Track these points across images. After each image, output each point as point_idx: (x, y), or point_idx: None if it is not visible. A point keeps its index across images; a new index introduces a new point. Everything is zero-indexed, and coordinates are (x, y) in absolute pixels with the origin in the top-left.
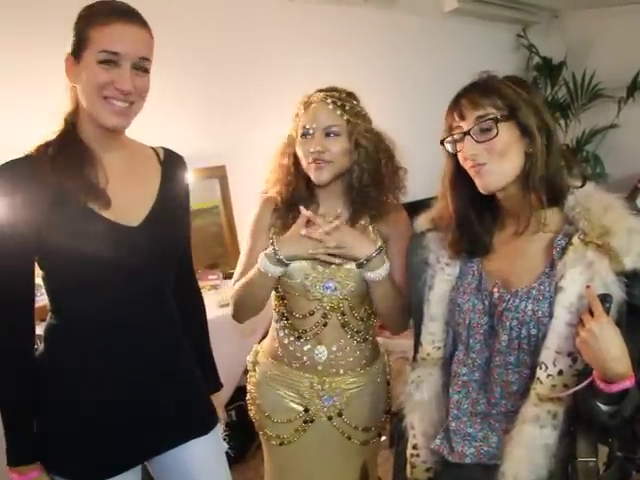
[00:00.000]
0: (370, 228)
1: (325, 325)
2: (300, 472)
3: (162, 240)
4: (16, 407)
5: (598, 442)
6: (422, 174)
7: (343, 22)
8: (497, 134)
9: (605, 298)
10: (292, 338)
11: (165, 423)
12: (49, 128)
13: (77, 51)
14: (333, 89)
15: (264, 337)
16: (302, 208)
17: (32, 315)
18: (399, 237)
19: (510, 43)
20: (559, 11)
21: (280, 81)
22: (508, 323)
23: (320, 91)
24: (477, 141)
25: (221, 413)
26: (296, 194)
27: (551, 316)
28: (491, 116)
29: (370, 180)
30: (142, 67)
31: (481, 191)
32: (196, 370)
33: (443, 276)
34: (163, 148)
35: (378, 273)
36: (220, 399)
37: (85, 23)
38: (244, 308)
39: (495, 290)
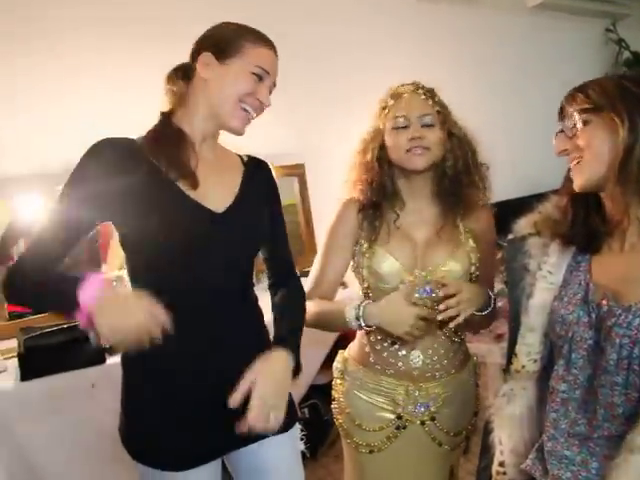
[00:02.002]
0: (461, 227)
1: (422, 329)
2: (390, 479)
3: (243, 229)
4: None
5: None
6: (504, 174)
7: (426, 20)
8: (583, 127)
9: None
10: (385, 344)
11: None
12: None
13: (224, 54)
14: (418, 83)
15: (346, 341)
16: (410, 285)
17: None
18: (487, 233)
19: (598, 38)
20: None
21: (360, 80)
22: (618, 340)
23: (405, 84)
24: (567, 136)
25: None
26: (381, 192)
27: None
28: (586, 107)
29: (463, 168)
30: (271, 91)
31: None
32: None
33: (545, 284)
34: (248, 155)
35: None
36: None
37: (239, 36)
38: (317, 328)
39: (604, 302)
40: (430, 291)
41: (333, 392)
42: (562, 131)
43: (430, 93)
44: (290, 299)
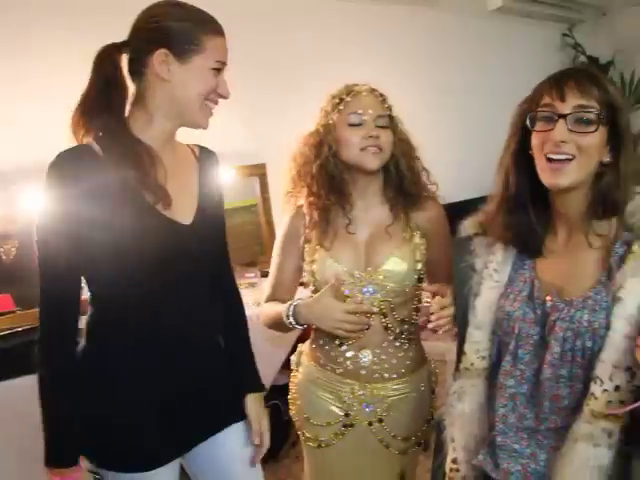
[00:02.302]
0: (409, 223)
1: (368, 328)
2: (336, 476)
3: (209, 238)
4: (61, 408)
5: None
6: (458, 175)
7: (385, 21)
8: (594, 131)
9: None
10: (333, 344)
11: (201, 414)
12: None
13: (183, 52)
14: (371, 86)
15: (306, 337)
16: (334, 281)
17: (78, 313)
18: (437, 226)
19: (555, 42)
20: (607, 8)
21: (321, 82)
22: (561, 334)
23: (358, 85)
24: (570, 130)
25: (263, 420)
26: (330, 194)
27: (608, 328)
28: (595, 111)
29: (410, 171)
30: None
31: (550, 184)
32: (226, 366)
33: (491, 283)
34: (198, 145)
35: None
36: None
37: (196, 29)
38: (274, 330)
39: (549, 299)
40: (373, 291)
41: (289, 382)
42: (562, 117)
43: (383, 96)
44: (230, 313)
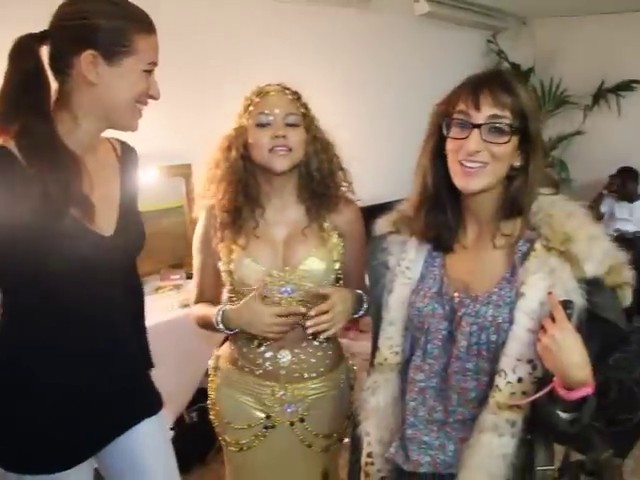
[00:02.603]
0: (326, 224)
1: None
2: (259, 479)
3: (131, 247)
4: None
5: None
6: (383, 178)
7: (313, 21)
8: (507, 142)
9: (567, 305)
10: (252, 346)
11: (115, 409)
12: None
13: (114, 55)
14: (284, 84)
15: (225, 341)
16: (261, 284)
17: None
18: (353, 227)
19: (481, 48)
20: (528, 18)
21: (247, 81)
22: (467, 328)
23: (271, 84)
24: (484, 139)
25: None
26: (242, 195)
27: (511, 322)
28: (508, 121)
29: (328, 171)
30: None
31: (463, 188)
32: (142, 355)
33: (403, 280)
34: (119, 141)
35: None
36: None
37: (128, 28)
38: (205, 329)
39: (456, 295)
40: (291, 291)
41: (208, 388)
42: (477, 127)
43: (296, 95)
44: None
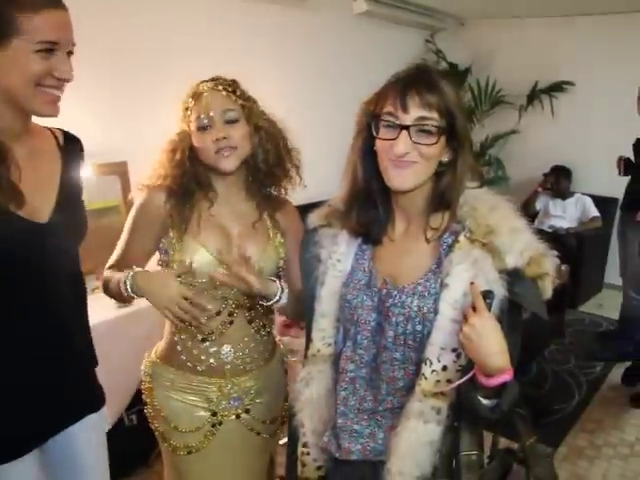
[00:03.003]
0: (269, 222)
1: (231, 323)
2: (211, 477)
3: (69, 234)
4: None
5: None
6: (322, 176)
7: (252, 18)
8: (435, 142)
9: (487, 295)
10: (195, 341)
11: (59, 403)
12: None
13: (4, 34)
14: (218, 78)
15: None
16: (216, 273)
17: None
18: (297, 230)
19: (419, 47)
20: (465, 19)
21: (183, 76)
22: (394, 319)
23: (205, 81)
24: (413, 141)
25: None
26: (193, 181)
27: (436, 312)
28: (436, 123)
29: (275, 160)
30: (72, 52)
31: (394, 186)
32: (87, 351)
33: (334, 272)
34: (61, 130)
35: (280, 303)
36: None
37: (8, 7)
38: (110, 297)
39: (384, 286)
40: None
41: (144, 397)
42: (405, 128)
43: (232, 87)
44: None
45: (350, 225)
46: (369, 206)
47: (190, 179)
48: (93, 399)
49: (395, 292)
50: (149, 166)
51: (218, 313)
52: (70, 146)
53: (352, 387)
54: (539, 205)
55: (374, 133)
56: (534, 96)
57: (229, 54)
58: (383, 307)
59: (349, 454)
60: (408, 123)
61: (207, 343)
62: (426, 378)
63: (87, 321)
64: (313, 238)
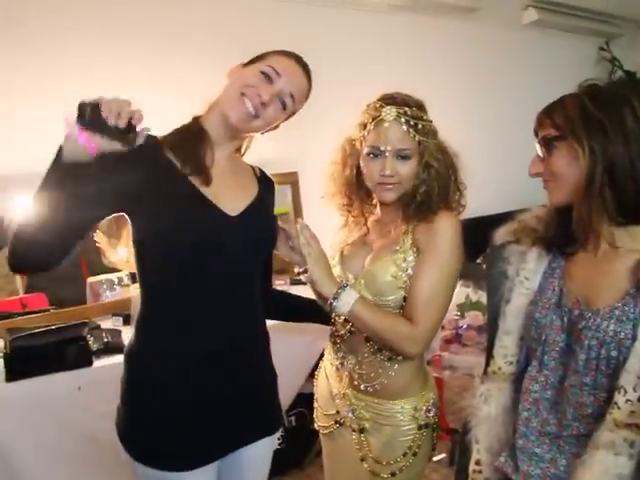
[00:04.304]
0: (410, 237)
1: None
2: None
3: (256, 234)
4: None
5: None
6: (492, 189)
7: (421, 31)
8: (552, 153)
9: None
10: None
11: (244, 420)
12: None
13: (250, 62)
14: (404, 101)
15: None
16: (299, 220)
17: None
18: (433, 245)
19: (592, 56)
20: None
21: (353, 87)
22: (587, 342)
23: (389, 102)
24: (540, 158)
25: None
26: (358, 200)
27: (634, 339)
28: (548, 136)
29: (437, 197)
30: (283, 101)
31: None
32: (273, 369)
33: (522, 289)
34: (259, 169)
35: (342, 310)
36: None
37: (268, 52)
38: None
39: (576, 307)
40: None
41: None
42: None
43: (414, 120)
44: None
45: (545, 235)
46: (569, 218)
47: (357, 199)
48: (273, 421)
49: (589, 314)
50: (321, 176)
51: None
52: (265, 179)
53: (535, 408)
54: None
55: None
56: None
57: (403, 67)
58: (574, 328)
59: (527, 477)
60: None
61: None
62: (619, 407)
63: (266, 334)
64: (501, 254)
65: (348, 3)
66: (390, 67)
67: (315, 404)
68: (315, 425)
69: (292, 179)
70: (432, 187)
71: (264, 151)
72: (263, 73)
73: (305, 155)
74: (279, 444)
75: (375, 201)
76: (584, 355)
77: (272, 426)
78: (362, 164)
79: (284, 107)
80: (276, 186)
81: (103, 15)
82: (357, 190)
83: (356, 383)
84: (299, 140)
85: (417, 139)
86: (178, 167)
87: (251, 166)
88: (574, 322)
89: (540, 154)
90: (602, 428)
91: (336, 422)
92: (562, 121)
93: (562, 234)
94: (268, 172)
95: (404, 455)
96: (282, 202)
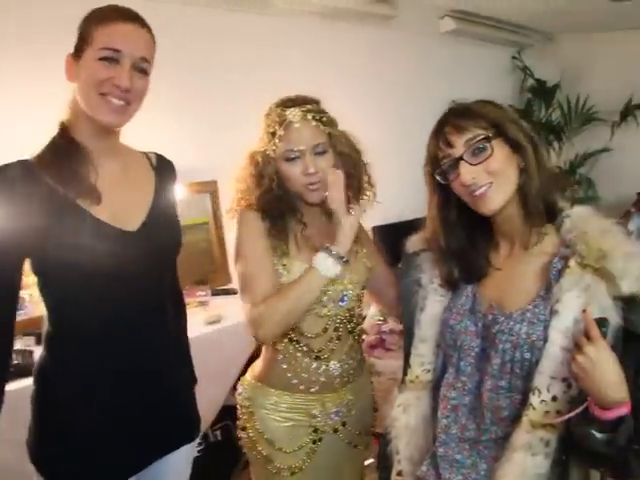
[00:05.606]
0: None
1: (339, 339)
2: None
3: (159, 246)
4: None
5: (591, 468)
6: (411, 195)
7: (337, 39)
8: (492, 152)
9: (602, 322)
10: (308, 359)
11: (155, 434)
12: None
13: (78, 50)
14: (303, 100)
15: (249, 362)
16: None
17: (12, 325)
18: (367, 237)
19: (506, 65)
20: (553, 34)
21: (271, 97)
22: (501, 346)
23: (289, 105)
24: (472, 164)
25: None
26: (284, 206)
27: (546, 340)
28: (481, 136)
29: (356, 184)
30: (141, 68)
31: (484, 213)
32: (187, 376)
33: (436, 297)
34: (154, 153)
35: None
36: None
37: (88, 23)
38: (288, 320)
39: (489, 312)
40: (346, 300)
41: (242, 422)
42: (460, 160)
43: (320, 115)
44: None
45: (453, 280)
46: (464, 254)
47: (281, 203)
48: (191, 428)
49: (502, 318)
50: (233, 187)
51: (325, 330)
52: (163, 167)
53: (454, 415)
54: (632, 226)
55: (444, 182)
56: (628, 112)
57: (308, 71)
58: (489, 333)
59: None
60: (459, 153)
61: (319, 361)
62: (534, 408)
63: (187, 338)
64: (414, 262)
65: (255, 8)
66: (307, 74)
67: (271, 455)
68: (278, 475)
69: (211, 188)
70: (352, 176)
71: (183, 159)
72: (104, 59)
73: (224, 164)
74: (198, 452)
75: (299, 215)
76: (499, 359)
77: (188, 435)
78: (283, 172)
79: (145, 72)
80: (195, 195)
81: None
82: (277, 203)
83: (345, 380)
84: (218, 149)
85: (327, 131)
86: (60, 191)
87: (145, 153)
88: (488, 327)
89: (470, 160)
90: (518, 430)
91: (314, 442)
92: (490, 120)
93: (465, 271)
94: (185, 180)
95: (375, 410)
96: (202, 211)
